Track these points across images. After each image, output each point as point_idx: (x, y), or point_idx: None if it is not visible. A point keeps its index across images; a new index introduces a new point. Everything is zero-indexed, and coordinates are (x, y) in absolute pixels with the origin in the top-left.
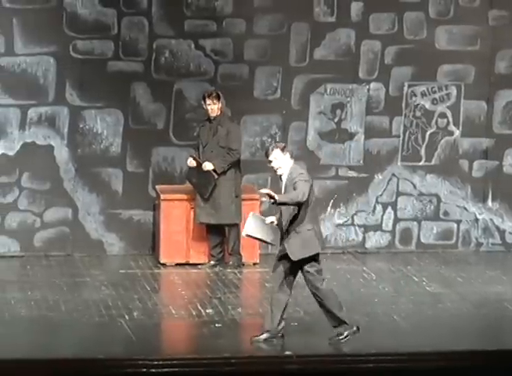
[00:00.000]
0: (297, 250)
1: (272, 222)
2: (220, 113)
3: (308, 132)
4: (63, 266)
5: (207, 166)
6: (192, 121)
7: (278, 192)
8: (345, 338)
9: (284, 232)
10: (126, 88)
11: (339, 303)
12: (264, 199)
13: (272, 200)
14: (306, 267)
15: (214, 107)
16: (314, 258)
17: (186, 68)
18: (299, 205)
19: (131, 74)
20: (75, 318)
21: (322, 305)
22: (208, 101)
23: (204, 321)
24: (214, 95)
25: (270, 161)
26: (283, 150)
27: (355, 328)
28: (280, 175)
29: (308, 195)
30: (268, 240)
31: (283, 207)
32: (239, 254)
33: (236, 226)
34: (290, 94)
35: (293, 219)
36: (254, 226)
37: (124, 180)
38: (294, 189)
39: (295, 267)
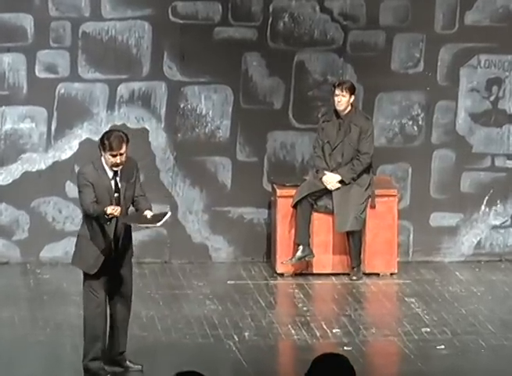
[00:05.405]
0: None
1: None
2: (351, 109)
3: (458, 114)
4: (159, 276)
5: (335, 178)
6: (316, 100)
7: None
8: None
9: None
10: (236, 60)
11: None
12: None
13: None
14: None
15: (342, 100)
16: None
17: (309, 35)
18: None
19: (243, 43)
20: (173, 339)
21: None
22: (337, 91)
23: (330, 343)
24: (347, 85)
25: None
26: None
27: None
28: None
29: None
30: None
31: None
32: (359, 265)
33: (357, 233)
34: (436, 67)
35: None
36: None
37: (234, 171)
38: None
39: None
